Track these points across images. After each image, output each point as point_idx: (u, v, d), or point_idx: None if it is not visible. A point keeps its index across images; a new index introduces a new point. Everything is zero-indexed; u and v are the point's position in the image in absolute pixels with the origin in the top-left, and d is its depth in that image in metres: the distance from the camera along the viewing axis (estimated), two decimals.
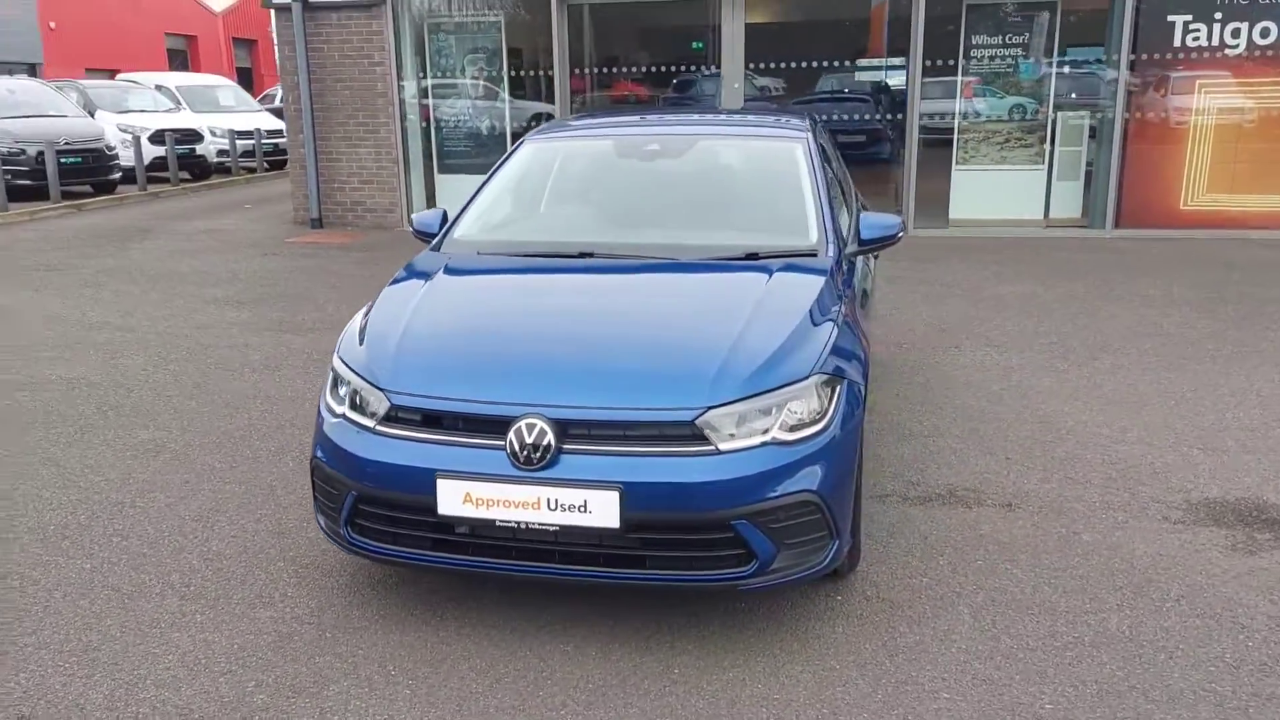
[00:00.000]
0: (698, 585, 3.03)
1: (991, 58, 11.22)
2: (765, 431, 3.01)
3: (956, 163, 11.52)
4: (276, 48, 12.13)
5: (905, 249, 10.17)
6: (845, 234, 4.16)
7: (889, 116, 11.76)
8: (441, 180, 12.45)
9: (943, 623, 3.30)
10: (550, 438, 2.93)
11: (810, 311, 3.40)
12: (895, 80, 11.87)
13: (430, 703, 2.85)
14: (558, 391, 3.02)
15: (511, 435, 2.96)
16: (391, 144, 12.03)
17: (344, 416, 3.23)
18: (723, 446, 2.96)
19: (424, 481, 3.00)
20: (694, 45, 12.07)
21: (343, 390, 3.29)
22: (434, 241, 4.16)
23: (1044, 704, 2.86)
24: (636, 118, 5.13)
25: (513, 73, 12.02)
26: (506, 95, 12.09)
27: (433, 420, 3.08)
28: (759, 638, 3.21)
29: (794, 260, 3.78)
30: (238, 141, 19.05)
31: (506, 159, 4.60)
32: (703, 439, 2.95)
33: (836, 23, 12.47)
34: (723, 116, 5.32)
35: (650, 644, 3.16)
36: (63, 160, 14.91)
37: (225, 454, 4.79)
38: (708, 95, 11.94)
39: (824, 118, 11.79)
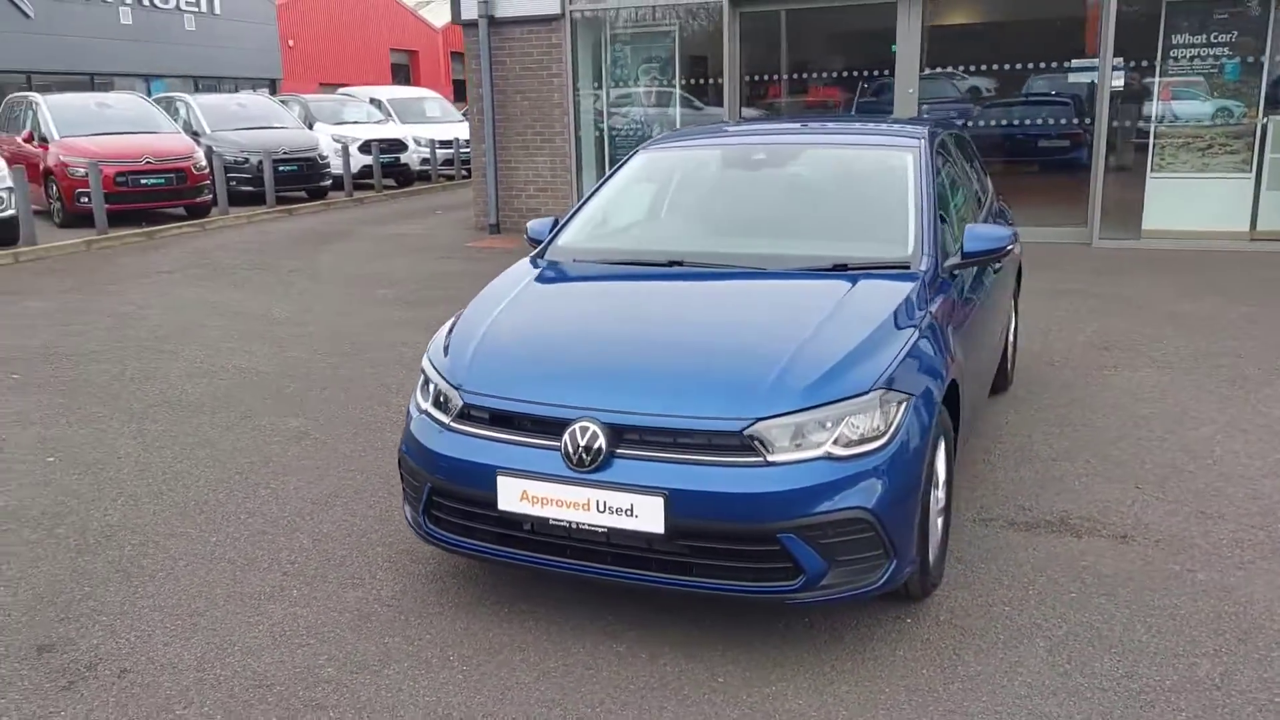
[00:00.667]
0: (743, 596, 3.03)
1: (1194, 57, 10.47)
2: (819, 445, 2.98)
3: (1152, 169, 10.80)
4: (467, 61, 12.76)
5: (1086, 261, 9.67)
6: (954, 247, 4.03)
7: (1083, 121, 11.15)
8: None
9: (1014, 654, 3.15)
10: (602, 441, 3.01)
11: (884, 325, 3.33)
12: (1087, 82, 11.25)
13: (476, 689, 2.99)
14: (612, 396, 3.09)
15: (566, 437, 3.05)
16: (565, 153, 12.42)
17: (426, 413, 3.42)
18: (772, 458, 2.95)
19: (486, 477, 3.14)
20: (891, 48, 11.74)
21: (428, 389, 3.48)
22: (539, 248, 4.31)
23: None
24: (753, 127, 5.14)
25: (685, 81, 12.16)
26: (678, 103, 12.24)
27: (499, 419, 3.22)
28: (813, 652, 3.17)
29: (883, 272, 3.71)
30: (439, 150, 20.10)
31: (619, 168, 4.71)
32: (751, 449, 2.96)
33: (1028, 22, 11.93)
34: (839, 125, 5.24)
35: (701, 651, 3.18)
36: (280, 168, 16.22)
37: (358, 443, 5.12)
38: (939, 97, 11.62)
39: (1012, 122, 11.42)
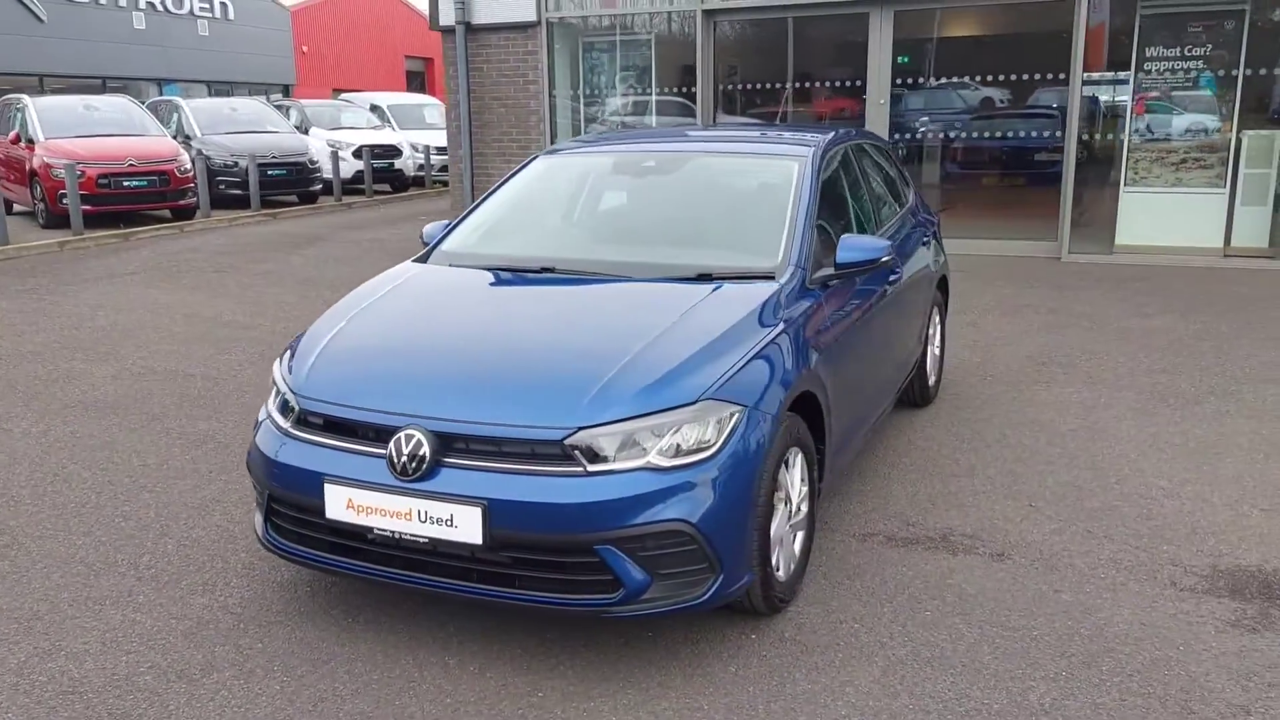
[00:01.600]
0: (564, 609, 2.97)
1: (1168, 71, 10.35)
2: (641, 456, 2.92)
3: (1125, 184, 10.67)
4: (444, 68, 12.76)
5: (1053, 276, 9.56)
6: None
7: (1053, 134, 11.04)
8: None
9: (846, 674, 3.08)
10: (426, 449, 2.96)
11: (728, 335, 3.27)
12: (1058, 95, 11.14)
13: (290, 700, 2.94)
14: (440, 404, 3.05)
15: (392, 445, 3.01)
16: None
17: (269, 419, 3.39)
18: (592, 468, 2.89)
19: (315, 485, 3.10)
20: (900, 59, 11.52)
21: (274, 395, 3.45)
22: (422, 253, 4.27)
23: None
24: (655, 134, 5.10)
25: (661, 89, 12.13)
26: (655, 112, 12.21)
27: (331, 426, 3.18)
28: (645, 667, 3.11)
29: (744, 281, 3.64)
30: (434, 156, 20.12)
31: (516, 172, 4.68)
32: (571, 459, 2.90)
33: (1008, 36, 11.83)
34: (739, 134, 5.18)
35: (534, 664, 3.13)
36: (270, 173, 16.29)
37: None
38: (915, 109, 11.52)
39: (994, 135, 11.31)
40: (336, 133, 19.55)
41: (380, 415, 3.07)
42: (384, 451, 3.02)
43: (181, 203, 14.56)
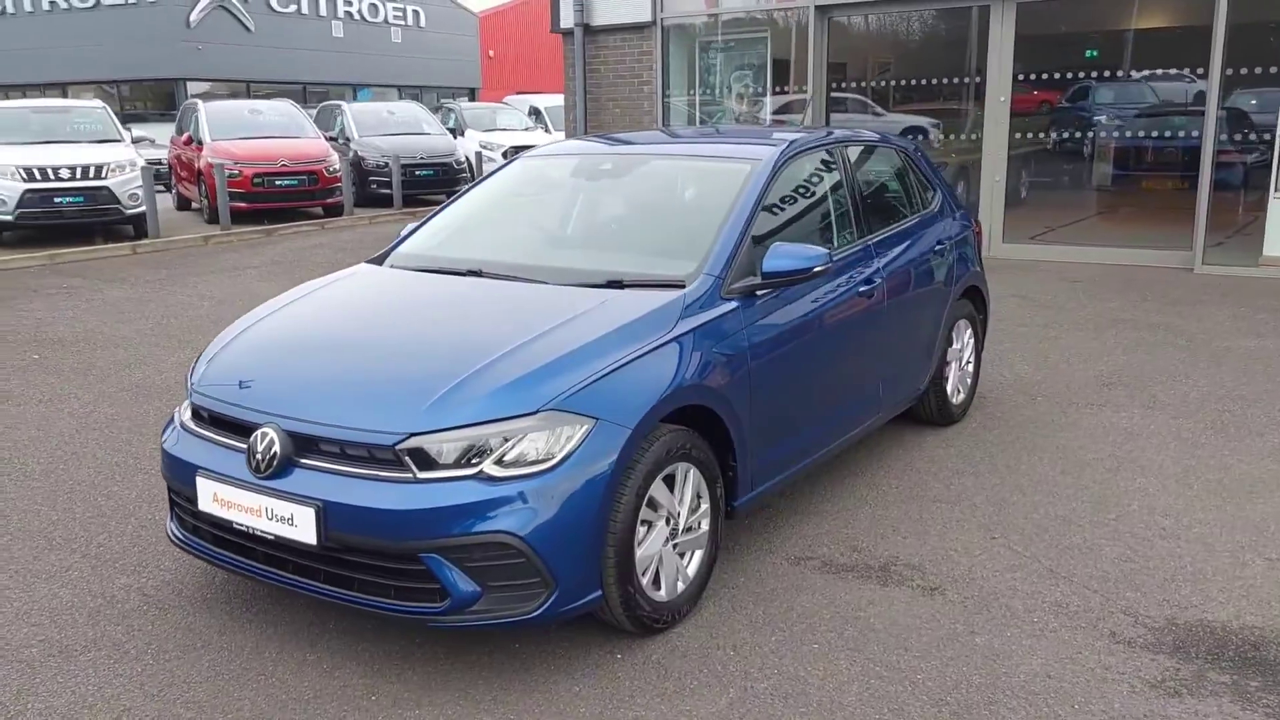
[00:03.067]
0: (393, 615, 2.97)
1: None
2: (474, 464, 2.88)
3: (1275, 189, 9.69)
4: (564, 70, 12.96)
5: (1174, 289, 8.80)
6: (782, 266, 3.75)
7: (1191, 135, 10.15)
8: None
9: (691, 703, 2.94)
10: (278, 448, 3.02)
11: (597, 343, 3.17)
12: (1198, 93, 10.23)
13: (143, 682, 3.06)
14: (296, 405, 3.10)
15: (251, 442, 3.09)
16: None
17: (175, 413, 3.54)
18: (421, 475, 2.88)
19: (191, 477, 3.22)
20: (1088, 54, 10.92)
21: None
22: (379, 253, 4.35)
23: None
24: (626, 138, 5.00)
25: (776, 88, 11.90)
26: (769, 110, 11.99)
27: (213, 421, 3.29)
28: (489, 680, 3.06)
29: (649, 289, 3.53)
30: None
31: (490, 175, 4.69)
32: (402, 465, 2.89)
33: (1145, 31, 10.97)
34: (703, 137, 4.98)
35: (387, 666, 3.14)
36: (417, 173, 17.01)
37: None
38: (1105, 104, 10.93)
39: (1138, 134, 10.54)
40: (490, 134, 20.19)
41: (247, 412, 3.16)
42: (245, 448, 3.10)
43: (329, 200, 15.38)
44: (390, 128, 18.22)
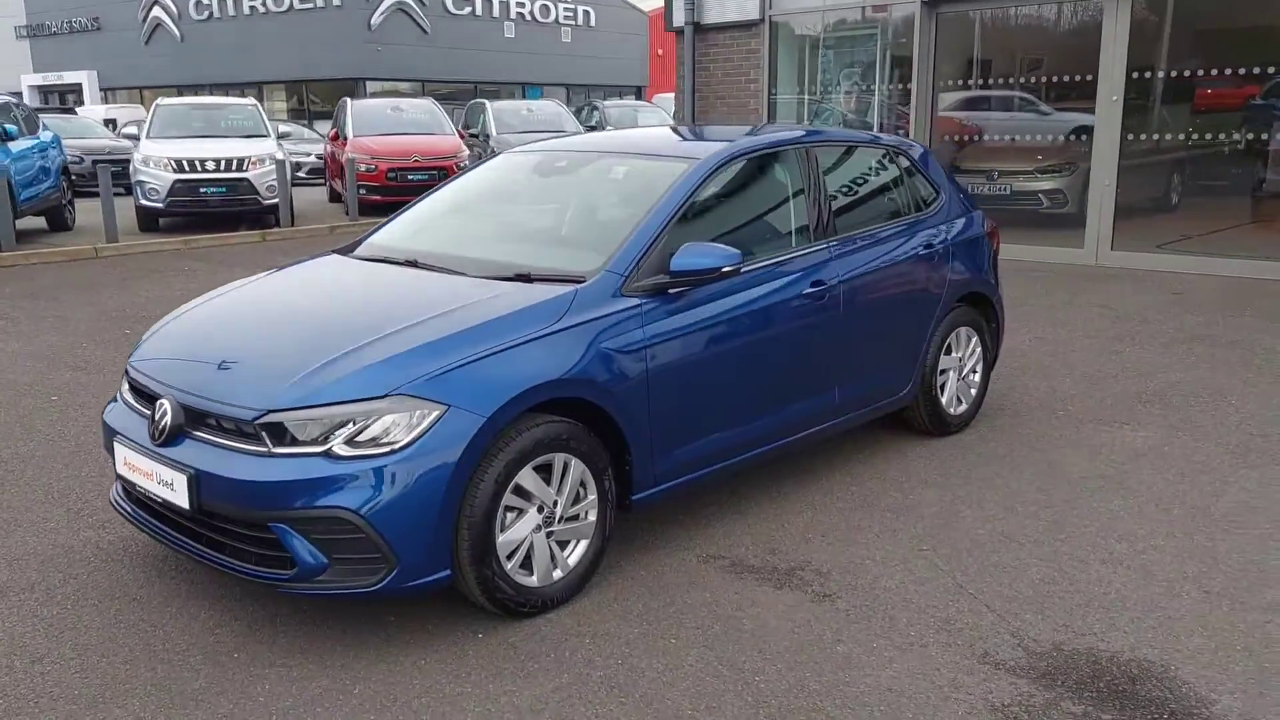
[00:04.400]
0: (250, 579, 3.18)
1: None
2: (324, 442, 3.06)
3: None
4: (676, 68, 13.07)
5: (1272, 305, 8.13)
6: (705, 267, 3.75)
7: None
8: None
9: (516, 684, 3.03)
10: (169, 419, 3.29)
11: (469, 332, 3.30)
12: None
13: (32, 619, 3.39)
14: (192, 380, 3.36)
15: (151, 412, 3.38)
16: None
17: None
18: (276, 449, 3.08)
19: (111, 444, 3.54)
20: None
21: None
22: (351, 243, 4.59)
23: None
24: (592, 136, 5.06)
25: (886, 85, 11.63)
26: (876, 109, 11.74)
27: (135, 391, 3.60)
28: (345, 646, 3.23)
29: (550, 283, 3.61)
30: None
31: (470, 169, 4.88)
32: (260, 439, 3.10)
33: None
34: (658, 136, 4.92)
35: (260, 630, 3.34)
36: None
37: None
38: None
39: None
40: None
41: (155, 384, 3.45)
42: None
43: None
44: (529, 125, 18.74)
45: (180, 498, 3.20)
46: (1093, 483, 4.57)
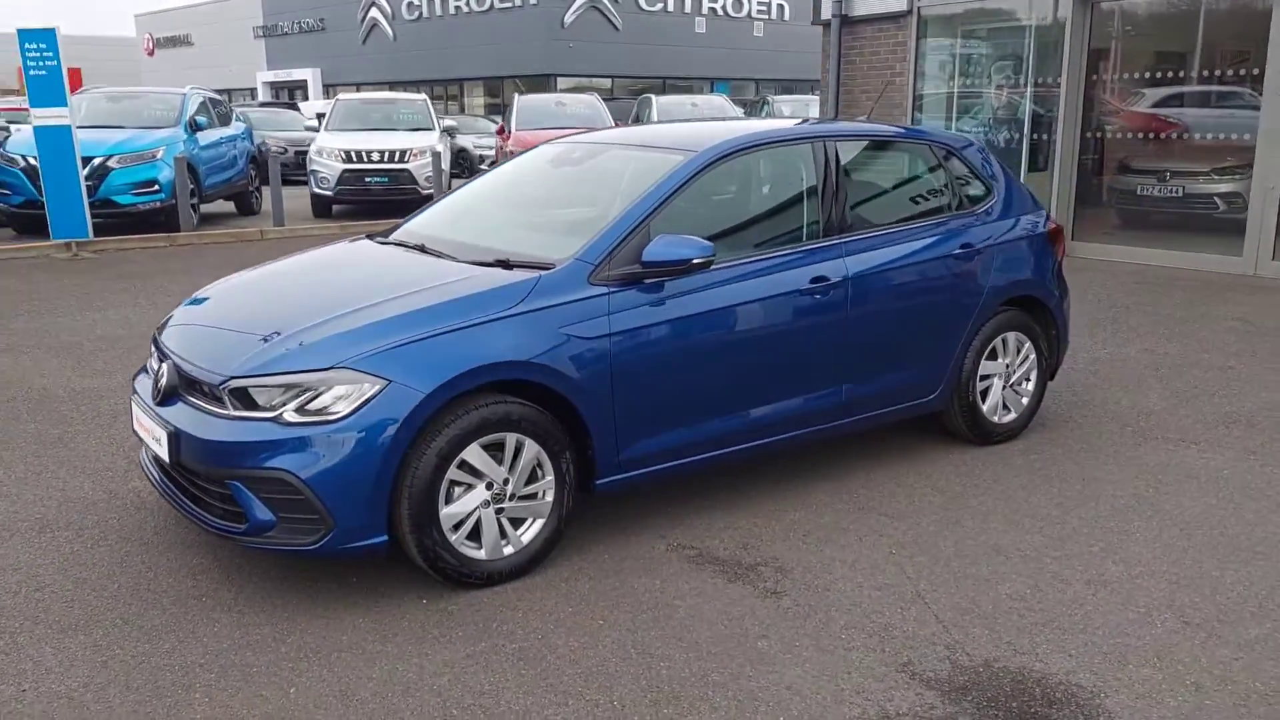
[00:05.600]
0: (217, 532, 3.46)
1: None
2: (276, 409, 3.31)
3: None
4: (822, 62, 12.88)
5: None
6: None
7: None
8: None
9: (433, 650, 3.18)
10: (166, 380, 3.64)
11: (423, 312, 3.47)
12: None
13: (42, 551, 3.81)
14: (189, 348, 3.69)
15: (155, 374, 3.73)
16: None
17: None
18: (235, 413, 3.36)
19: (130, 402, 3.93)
20: None
21: None
22: (390, 227, 4.85)
23: None
24: (621, 129, 5.09)
25: (1036, 80, 11.08)
26: (1028, 106, 11.20)
27: (156, 357, 3.98)
28: (298, 601, 3.47)
29: (520, 270, 3.73)
30: None
31: (507, 161, 5.05)
32: (224, 403, 3.39)
33: None
34: (669, 130, 4.84)
35: (231, 576, 3.63)
36: None
37: None
38: None
39: None
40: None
41: (166, 350, 3.80)
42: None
43: None
44: (692, 119, 18.91)
45: (164, 452, 3.52)
46: (1123, 502, 4.30)
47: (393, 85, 40.78)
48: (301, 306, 3.75)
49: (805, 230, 4.32)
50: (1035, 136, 11.13)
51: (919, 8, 11.64)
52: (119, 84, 37.14)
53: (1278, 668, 3.05)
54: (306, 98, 41.43)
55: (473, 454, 3.45)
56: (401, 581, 3.59)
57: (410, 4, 38.72)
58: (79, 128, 11.87)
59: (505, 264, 3.82)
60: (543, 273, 3.68)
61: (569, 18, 35.02)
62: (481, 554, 3.54)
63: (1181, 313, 7.90)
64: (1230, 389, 5.87)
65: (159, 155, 11.75)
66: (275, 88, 46.30)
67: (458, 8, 37.28)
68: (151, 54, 55.81)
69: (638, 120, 20.06)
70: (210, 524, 3.47)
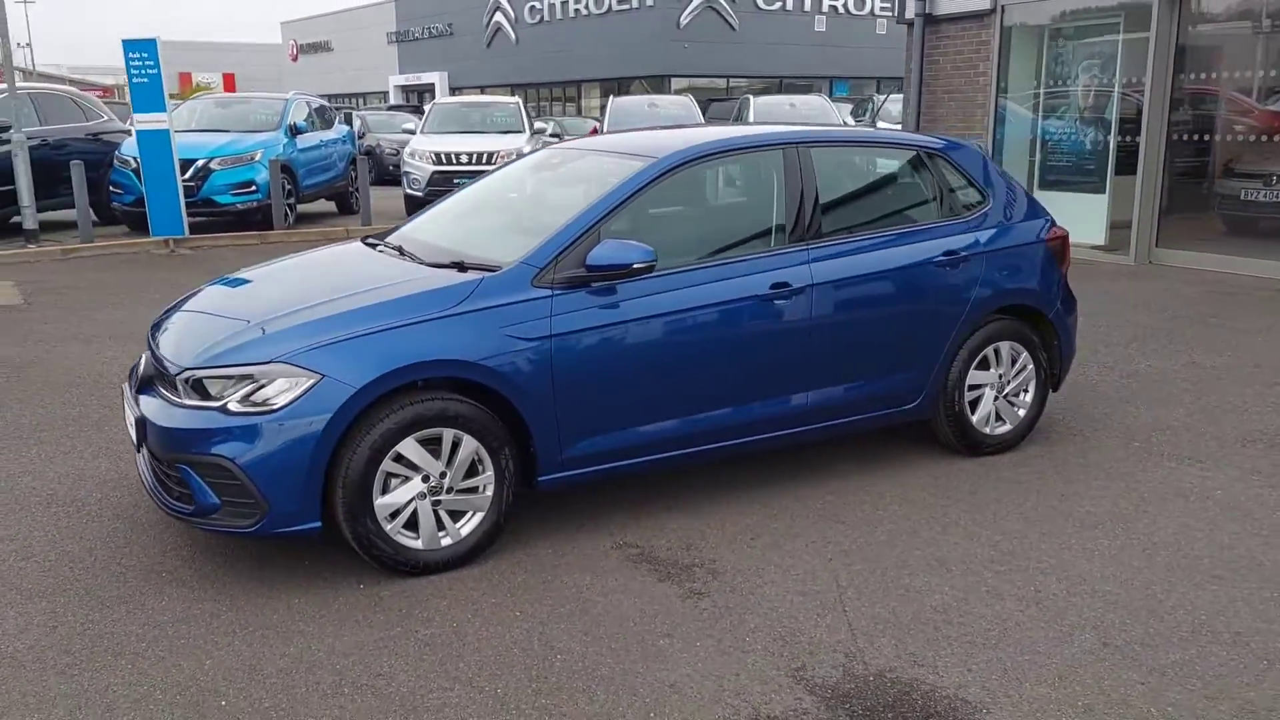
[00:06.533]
0: (167, 510, 3.71)
1: None
2: (221, 399, 3.54)
3: None
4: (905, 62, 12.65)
5: None
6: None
7: None
8: (1041, 197, 11.61)
9: (349, 630, 3.35)
10: (142, 370, 3.93)
11: (360, 312, 3.65)
12: None
13: (56, 519, 4.14)
14: (165, 342, 3.97)
15: (136, 365, 4.03)
16: None
17: None
18: (187, 402, 3.61)
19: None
20: None
21: None
22: (386, 230, 5.06)
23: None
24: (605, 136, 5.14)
25: (1125, 81, 10.66)
26: (1115, 106, 10.78)
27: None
28: (252, 580, 3.69)
29: (467, 271, 3.88)
30: None
31: (501, 167, 5.21)
32: (179, 392, 3.64)
33: None
34: (645, 137, 4.83)
35: (193, 556, 3.89)
36: None
37: None
38: None
39: None
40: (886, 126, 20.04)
41: (150, 343, 4.09)
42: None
43: None
44: (787, 118, 18.79)
45: (134, 437, 3.80)
46: (1095, 519, 4.17)
47: (513, 88, 41.71)
48: (269, 305, 3.98)
49: (773, 236, 4.34)
50: (1123, 138, 10.69)
51: (1003, 5, 11.33)
52: (265, 88, 38.56)
53: (1179, 695, 2.95)
54: (434, 100, 42.79)
55: (408, 448, 3.61)
56: (345, 567, 3.78)
57: (532, 7, 39.53)
58: (188, 131, 12.64)
59: (460, 266, 3.98)
60: (486, 275, 3.82)
61: (685, 18, 35.16)
62: (419, 544, 3.69)
63: (1245, 325, 7.52)
64: (1264, 406, 5.58)
65: (257, 158, 12.39)
66: (406, 91, 47.91)
67: (577, 10, 37.86)
68: (295, 59, 58.55)
69: (738, 120, 20.02)
70: (167, 505, 3.72)
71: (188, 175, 11.83)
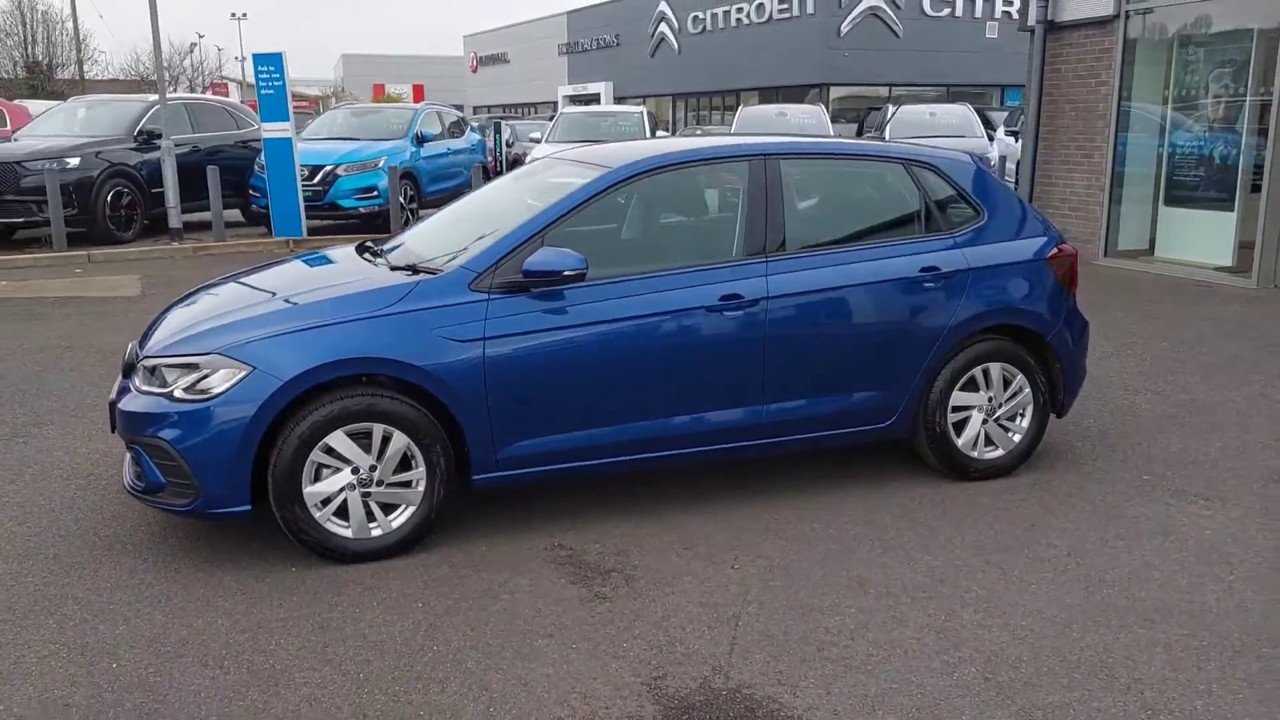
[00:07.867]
0: (127, 487, 4.02)
1: None
2: (169, 386, 3.83)
3: None
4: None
5: None
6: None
7: None
8: (1166, 214, 10.95)
9: (258, 609, 3.56)
10: (125, 359, 4.28)
11: (295, 310, 3.90)
12: None
13: (53, 494, 4.54)
14: (149, 334, 4.30)
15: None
16: (1102, 170, 11.10)
17: None
18: (143, 388, 3.91)
19: None
20: None
21: None
22: (391, 235, 5.29)
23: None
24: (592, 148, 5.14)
25: (1259, 91, 9.90)
26: (1246, 119, 10.03)
27: None
28: (198, 560, 3.96)
29: (414, 275, 4.04)
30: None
31: (510, 173, 5.36)
32: (140, 378, 3.95)
33: None
34: (619, 148, 4.78)
35: (158, 537, 4.20)
36: None
37: None
38: None
39: None
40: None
41: (144, 334, 4.44)
42: None
43: None
44: (927, 130, 18.25)
45: (110, 420, 4.15)
46: (1050, 553, 3.96)
47: (675, 96, 42.10)
48: (246, 300, 4.26)
49: (734, 248, 4.31)
50: (1256, 152, 9.93)
51: (1127, 11, 10.73)
52: (447, 99, 40.06)
53: None
54: (560, 109, 43.75)
55: (337, 440, 3.79)
56: (287, 550, 3.99)
57: (696, 17, 39.85)
58: (322, 139, 13.42)
59: (413, 269, 4.15)
60: (420, 278, 3.97)
61: (845, 26, 34.67)
62: (348, 533, 3.88)
63: None
64: None
65: (380, 165, 13.04)
66: (574, 100, 49.12)
67: (739, 20, 37.93)
68: (475, 71, 61.00)
69: (879, 129, 19.61)
70: (130, 482, 4.04)
71: (315, 180, 12.57)
